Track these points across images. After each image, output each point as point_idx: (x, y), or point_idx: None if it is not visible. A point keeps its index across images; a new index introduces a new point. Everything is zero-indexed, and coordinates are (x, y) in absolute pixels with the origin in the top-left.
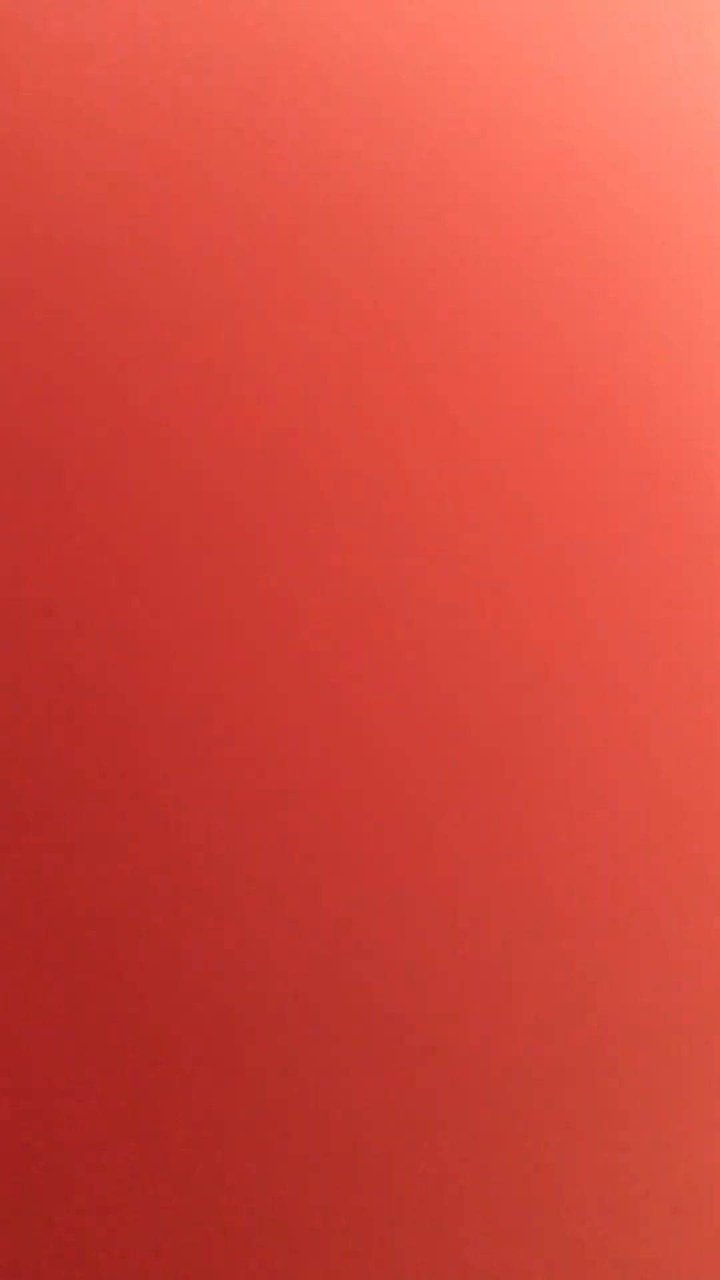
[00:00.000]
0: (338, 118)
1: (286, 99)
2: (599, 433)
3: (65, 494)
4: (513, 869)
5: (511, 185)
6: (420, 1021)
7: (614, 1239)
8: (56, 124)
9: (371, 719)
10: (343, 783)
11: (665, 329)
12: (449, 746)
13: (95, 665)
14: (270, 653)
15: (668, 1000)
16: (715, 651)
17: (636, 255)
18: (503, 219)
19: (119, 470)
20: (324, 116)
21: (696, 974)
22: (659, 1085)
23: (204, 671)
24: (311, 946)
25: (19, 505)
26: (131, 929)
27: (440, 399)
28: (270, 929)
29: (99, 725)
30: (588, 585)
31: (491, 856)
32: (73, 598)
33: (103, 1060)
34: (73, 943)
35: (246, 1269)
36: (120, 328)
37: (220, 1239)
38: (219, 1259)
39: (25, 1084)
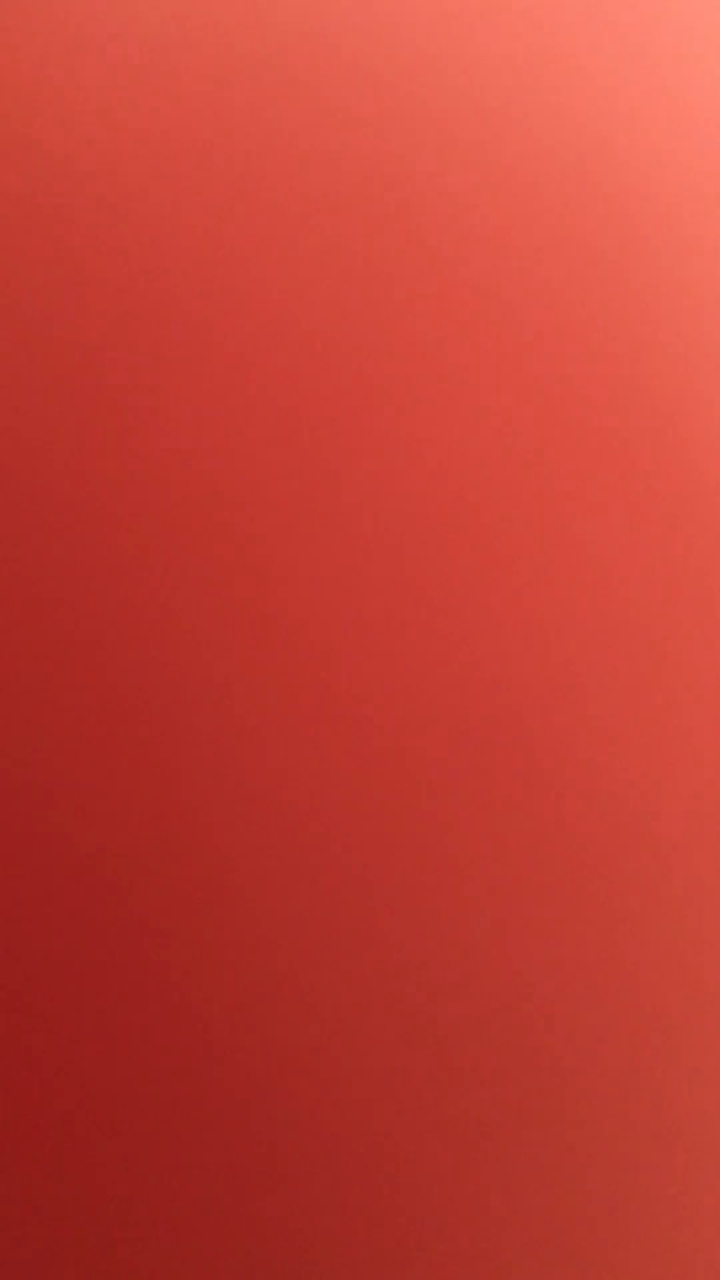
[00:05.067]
0: (339, 103)
1: (285, 81)
2: (605, 428)
3: (64, 484)
4: (517, 855)
5: (515, 173)
6: (422, 1009)
7: (622, 1236)
8: (56, 121)
9: (373, 708)
10: (345, 768)
11: (671, 323)
12: (449, 744)
13: (95, 660)
14: (272, 642)
15: (675, 989)
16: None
17: (641, 244)
18: (507, 209)
19: (118, 456)
20: (325, 101)
21: (705, 964)
22: (664, 1085)
23: (205, 656)
24: (314, 933)
25: (17, 493)
26: (132, 921)
27: (442, 394)
28: (270, 919)
29: (98, 723)
30: (591, 577)
31: (495, 842)
32: (73, 588)
33: (101, 1043)
34: (72, 930)
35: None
36: (119, 319)
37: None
38: (219, 1248)
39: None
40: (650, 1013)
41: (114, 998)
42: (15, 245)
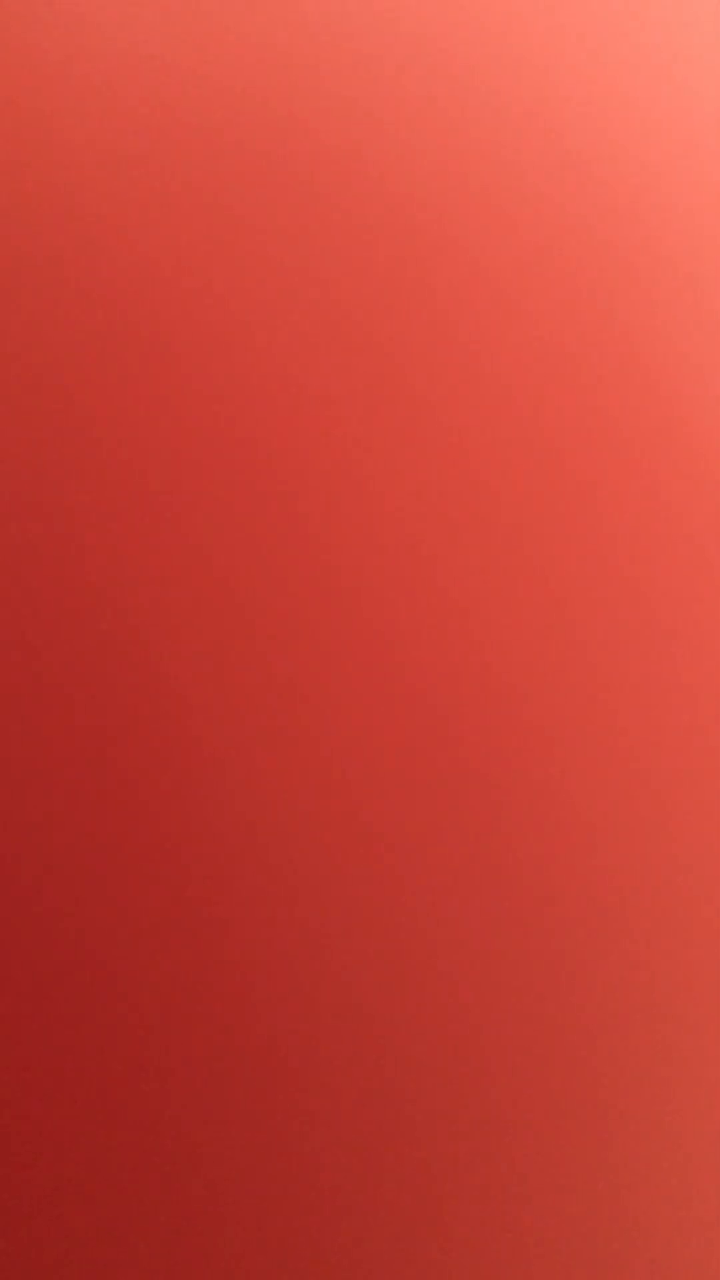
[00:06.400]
0: (338, 117)
1: (285, 95)
2: (604, 450)
3: (63, 496)
4: (509, 881)
5: (514, 182)
6: (416, 1034)
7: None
8: (57, 122)
9: (367, 729)
10: (337, 795)
11: (672, 331)
12: (445, 762)
13: (94, 668)
14: (266, 668)
15: (670, 1007)
16: (717, 666)
17: (642, 254)
18: (506, 218)
19: (116, 476)
20: (323, 114)
21: (699, 980)
22: (663, 1098)
23: (200, 676)
24: (308, 955)
25: (16, 500)
26: (130, 933)
27: (440, 408)
28: (268, 939)
29: (96, 730)
30: (588, 597)
31: (487, 867)
32: (71, 602)
33: (96, 1062)
34: (71, 944)
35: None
36: (118, 330)
37: (216, 1239)
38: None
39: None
40: (648, 1024)
41: (112, 1005)
42: (15, 248)
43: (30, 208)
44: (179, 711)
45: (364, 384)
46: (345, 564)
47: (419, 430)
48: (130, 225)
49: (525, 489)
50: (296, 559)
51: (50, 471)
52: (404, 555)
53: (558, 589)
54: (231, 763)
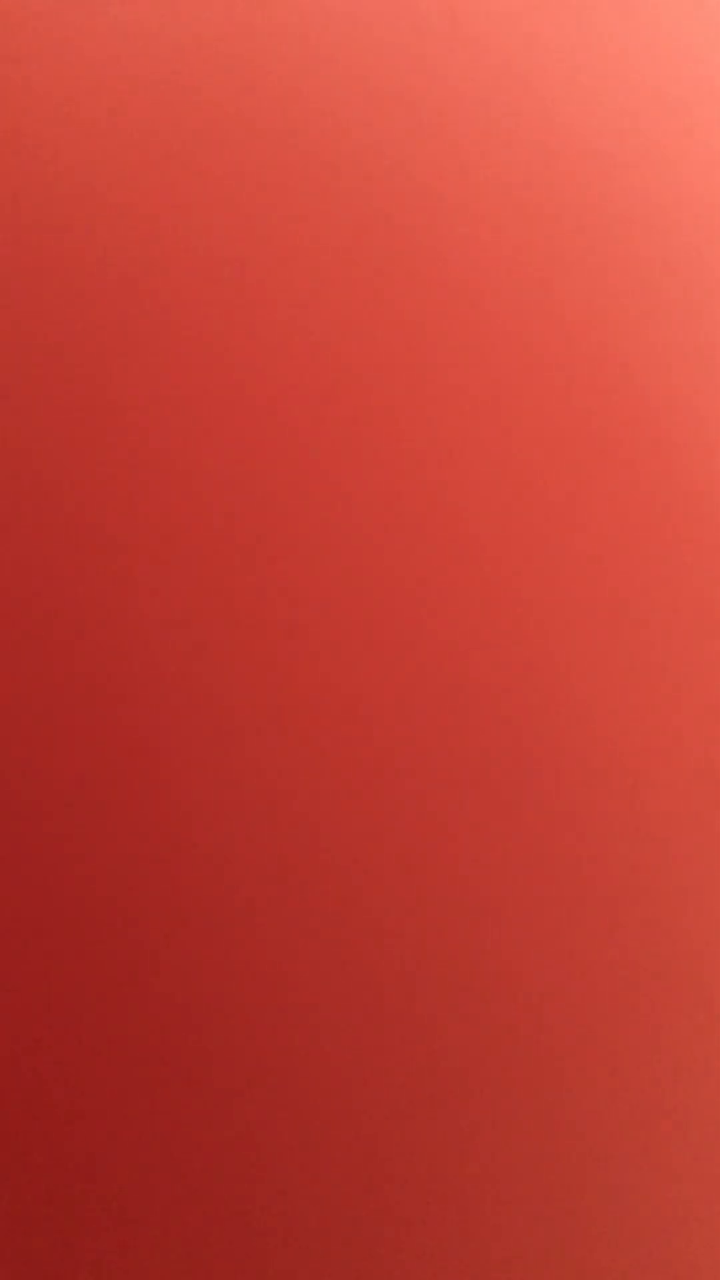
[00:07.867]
0: (339, 108)
1: (286, 88)
2: (606, 434)
3: (61, 486)
4: (516, 861)
5: (516, 176)
6: (421, 1018)
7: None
8: (55, 117)
9: (372, 713)
10: (343, 776)
11: (673, 324)
12: (450, 748)
13: (94, 663)
14: (270, 648)
15: (672, 994)
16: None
17: (642, 248)
18: (507, 212)
19: (115, 463)
20: (324, 106)
21: (702, 971)
22: (664, 1086)
23: (204, 656)
24: (312, 940)
25: (14, 495)
26: (130, 926)
27: (441, 396)
28: (269, 924)
29: (97, 725)
30: (592, 581)
31: (494, 850)
32: (71, 592)
33: (101, 1052)
34: (71, 938)
35: (245, 1263)
36: (118, 322)
37: (220, 1232)
38: (218, 1252)
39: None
40: (648, 1019)
41: (113, 1009)
42: (14, 249)
43: (29, 187)
44: (182, 703)
45: (364, 366)
46: (346, 571)
47: (420, 414)
48: (130, 213)
49: (525, 463)
50: (298, 546)
51: (50, 450)
52: (403, 555)
53: (560, 575)
54: (227, 769)
